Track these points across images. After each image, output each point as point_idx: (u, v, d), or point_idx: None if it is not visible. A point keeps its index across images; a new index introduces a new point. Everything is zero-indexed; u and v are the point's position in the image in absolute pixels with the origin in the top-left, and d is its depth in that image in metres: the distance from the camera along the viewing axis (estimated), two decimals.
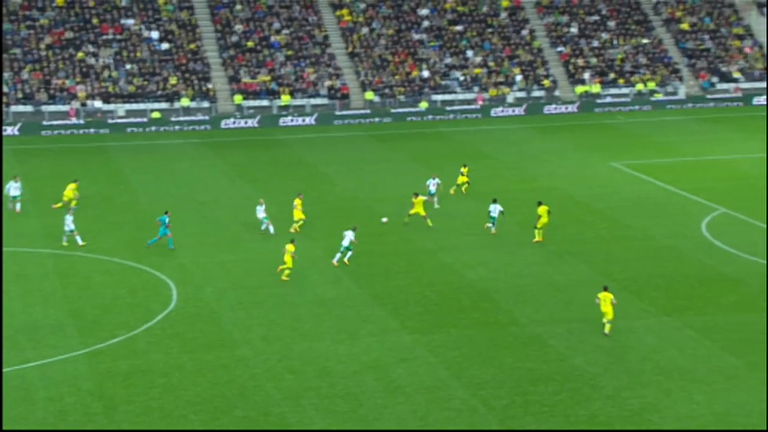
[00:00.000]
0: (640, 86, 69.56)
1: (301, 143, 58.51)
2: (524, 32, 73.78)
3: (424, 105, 66.87)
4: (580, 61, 71.61)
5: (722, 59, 72.13)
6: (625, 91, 69.76)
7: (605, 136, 59.65)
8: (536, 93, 69.54)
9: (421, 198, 40.24)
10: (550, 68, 71.43)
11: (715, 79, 70.62)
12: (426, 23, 73.69)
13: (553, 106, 67.25)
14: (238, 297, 32.98)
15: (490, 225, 39.37)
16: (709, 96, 68.56)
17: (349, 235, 35.49)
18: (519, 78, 69.95)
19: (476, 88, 69.14)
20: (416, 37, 72.57)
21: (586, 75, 70.55)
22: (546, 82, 69.64)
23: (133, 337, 29.49)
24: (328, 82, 68.11)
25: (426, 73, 69.70)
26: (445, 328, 30.21)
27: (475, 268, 35.39)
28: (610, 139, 58.73)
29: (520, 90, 69.52)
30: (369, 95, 67.66)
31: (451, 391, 26.09)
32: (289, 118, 64.15)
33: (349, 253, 35.60)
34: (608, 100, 67.97)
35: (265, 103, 66.65)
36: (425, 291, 33.38)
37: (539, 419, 24.67)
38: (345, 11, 73.70)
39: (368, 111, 65.57)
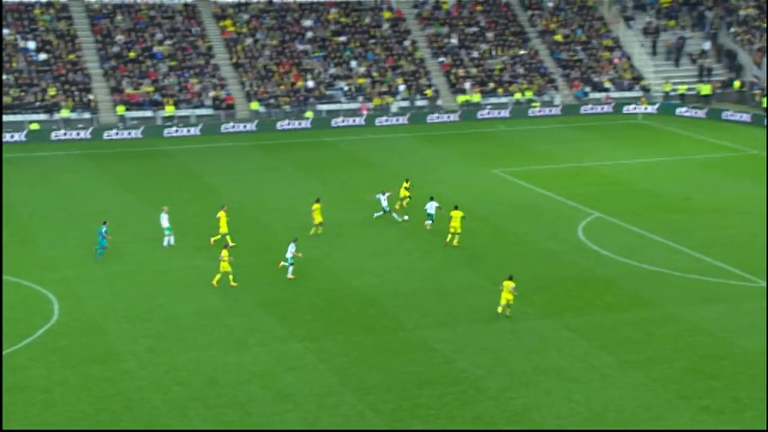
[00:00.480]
0: (518, 96, 71.24)
1: (186, 154, 57.69)
2: (406, 43, 74.66)
3: (309, 115, 66.87)
4: (461, 72, 72.90)
5: (594, 70, 74.60)
6: (504, 100, 71.32)
7: (486, 144, 60.87)
8: (419, 102, 70.41)
9: (319, 205, 40.24)
10: (432, 78, 72.47)
11: (588, 89, 72.93)
12: (310, 34, 73.76)
13: (436, 115, 68.20)
14: (123, 309, 32.29)
15: (429, 222, 40.31)
16: (582, 105, 70.74)
17: (290, 248, 35.07)
18: (402, 88, 70.70)
19: (361, 98, 69.55)
20: (300, 47, 72.56)
21: (467, 85, 71.86)
22: (428, 92, 70.60)
23: (13, 354, 28.52)
24: (212, 93, 67.39)
25: (311, 84, 69.74)
26: (333, 335, 30.29)
27: (361, 276, 35.59)
28: (491, 147, 59.96)
29: (403, 99, 70.27)
30: (254, 105, 67.25)
31: (339, 397, 26.18)
32: (174, 128, 63.17)
33: (291, 268, 34.99)
34: (488, 108, 69.38)
35: (148, 114, 65.47)
36: (313, 299, 33.40)
37: (425, 422, 25.00)
38: (228, 22, 73.12)
39: (254, 121, 65.17)
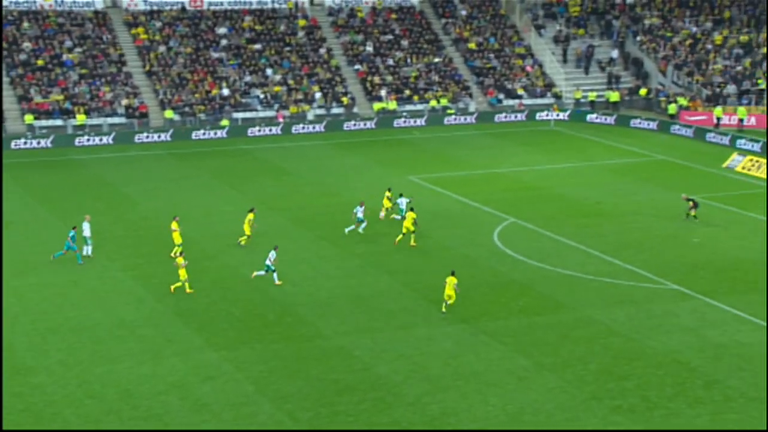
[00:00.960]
0: (433, 103, 71.79)
1: (98, 163, 56.50)
2: (322, 51, 74.58)
3: (225, 123, 66.21)
4: (377, 79, 73.12)
5: (507, 77, 75.65)
6: (420, 107, 71.79)
7: (403, 151, 61.15)
8: (335, 110, 70.38)
9: (250, 216, 39.49)
10: (348, 86, 72.51)
11: (501, 96, 73.92)
12: (224, 42, 73.09)
13: (352, 122, 68.22)
14: (32, 322, 31.38)
15: (398, 217, 41.58)
16: (496, 112, 71.64)
17: (270, 255, 34.95)
18: (318, 95, 70.57)
19: (277, 106, 69.18)
20: (215, 55, 71.84)
21: (383, 92, 72.12)
22: (345, 100, 70.64)
23: None
24: (125, 101, 66.19)
25: (226, 92, 69.09)
26: (250, 343, 29.96)
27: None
28: (408, 153, 60.26)
29: (319, 107, 70.14)
30: (169, 114, 66.28)
31: (257, 407, 25.89)
32: (86, 137, 61.80)
33: (275, 275, 34.84)
34: (404, 115, 69.74)
35: (59, 122, 63.92)
36: (230, 307, 33.00)
37: (344, 429, 24.89)
38: (140, 29, 71.98)
39: (168, 129, 64.23)
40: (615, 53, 78.29)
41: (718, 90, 70.16)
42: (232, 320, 31.88)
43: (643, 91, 74.28)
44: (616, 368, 28.23)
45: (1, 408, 25.24)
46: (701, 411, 25.84)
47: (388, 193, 44.43)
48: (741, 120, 65.83)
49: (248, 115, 68.12)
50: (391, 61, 75.02)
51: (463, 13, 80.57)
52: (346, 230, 41.08)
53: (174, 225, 38.78)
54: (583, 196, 48.66)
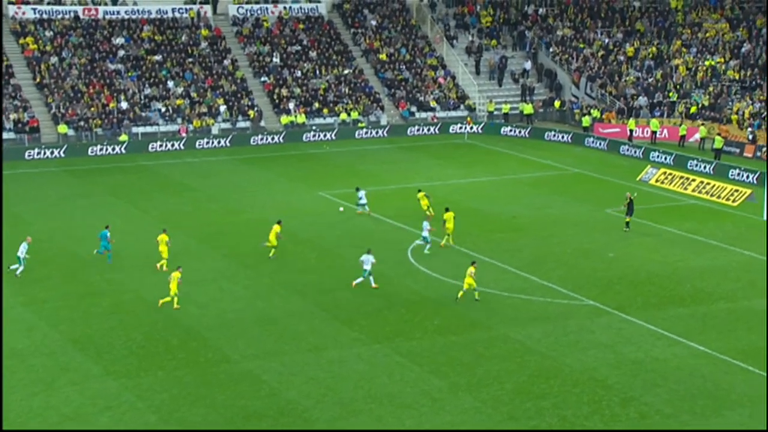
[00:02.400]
0: (344, 116, 72.01)
1: None
2: (226, 62, 74.15)
3: (123, 138, 65.20)
4: (284, 91, 73.02)
5: (419, 89, 76.41)
6: (329, 121, 71.90)
7: (312, 165, 61.13)
8: (241, 124, 69.99)
9: (277, 228, 40.32)
10: (255, 99, 72.23)
11: (414, 108, 74.60)
12: (122, 52, 72.06)
13: (259, 136, 67.96)
14: None
15: (359, 209, 45.28)
16: (409, 125, 72.25)
17: (369, 259, 36.42)
18: (223, 109, 70.09)
19: (179, 120, 68.44)
20: (112, 66, 70.76)
21: (291, 105, 72.04)
22: (251, 113, 70.30)
23: None
24: (13, 116, 64.60)
25: (124, 105, 68.07)
26: (152, 370, 29.48)
27: (182, 306, 34.85)
28: (317, 168, 60.26)
29: (224, 121, 69.67)
30: (62, 129, 64.94)
31: None
32: None
33: (371, 277, 36.62)
34: (314, 129, 69.76)
35: None
36: (130, 332, 32.43)
37: None
38: (30, 39, 70.45)
39: (62, 145, 62.90)
40: (528, 64, 79.86)
41: (630, 102, 72.18)
42: (132, 346, 31.33)
43: (557, 104, 75.92)
44: (533, 387, 28.66)
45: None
46: (618, 429, 26.41)
47: (420, 194, 46.36)
48: (654, 132, 67.82)
49: (148, 129, 67.24)
50: (299, 73, 75.04)
51: (373, 23, 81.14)
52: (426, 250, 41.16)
53: (163, 237, 38.80)
54: (498, 210, 49.38)
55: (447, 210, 42.95)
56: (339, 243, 43.27)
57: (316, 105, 72.71)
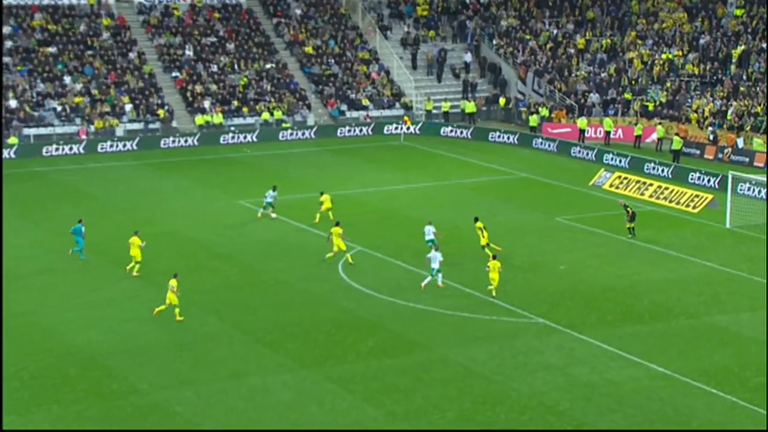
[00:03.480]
0: (266, 116, 71.83)
1: None
2: (132, 55, 73.45)
3: (13, 141, 64.19)
4: (199, 88, 72.60)
5: (350, 85, 76.58)
6: (250, 121, 71.67)
7: (231, 171, 60.83)
8: (150, 125, 69.37)
9: (338, 230, 41.27)
10: (165, 96, 71.67)
11: (344, 107, 74.75)
12: (9, 43, 70.91)
13: (171, 138, 67.46)
14: None
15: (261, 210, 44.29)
16: (339, 125, 72.35)
17: (436, 256, 38.53)
18: (129, 108, 69.42)
19: (78, 120, 67.57)
20: None
21: (206, 103, 71.64)
22: (161, 112, 69.73)
23: None
24: None
25: (13, 103, 66.96)
26: (47, 404, 29.00)
27: (83, 331, 34.40)
28: (237, 174, 59.98)
29: (131, 121, 69.01)
30: None
31: None
32: None
33: (440, 275, 38.66)
34: (232, 130, 69.45)
35: None
36: (22, 362, 31.86)
37: None
38: None
39: None
40: (469, 58, 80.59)
41: (581, 99, 73.26)
42: (24, 377, 30.80)
43: (501, 101, 76.71)
44: (477, 415, 28.84)
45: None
46: None
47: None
48: (608, 132, 68.91)
49: (42, 131, 66.30)
50: (215, 68, 74.67)
51: (298, 12, 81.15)
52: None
53: (135, 240, 40.07)
54: (438, 219, 49.57)
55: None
56: (262, 258, 43.08)
57: (235, 103, 72.41)
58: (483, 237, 42.87)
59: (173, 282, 35.48)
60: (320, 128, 71.80)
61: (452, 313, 36.74)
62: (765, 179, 51.30)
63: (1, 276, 38.53)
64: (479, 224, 43.32)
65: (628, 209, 46.24)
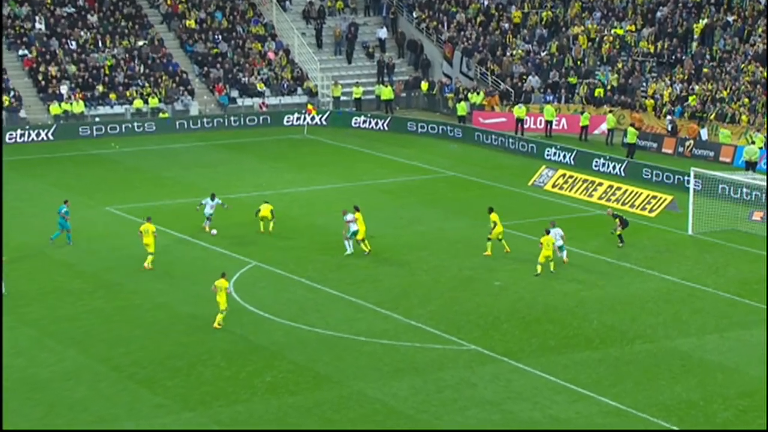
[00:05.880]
0: (138, 104, 71.24)
1: None
2: None
3: None
4: (53, 70, 71.72)
5: (242, 67, 76.33)
6: (119, 110, 71.03)
7: (95, 170, 60.39)
8: None
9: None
10: (11, 80, 70.70)
11: (235, 93, 74.50)
12: None
13: (18, 132, 66.60)
14: None
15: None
16: (229, 114, 72.05)
17: (557, 233, 43.28)
18: None
19: None
20: None
21: (63, 89, 70.81)
22: (5, 99, 68.76)
23: None
24: None
25: None
26: None
27: None
28: (102, 174, 59.43)
29: None
30: None
31: None
32: None
33: (564, 251, 43.88)
34: (96, 122, 68.78)
35: None
36: None
37: None
38: None
39: None
40: (385, 34, 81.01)
41: (518, 83, 74.06)
42: None
43: (424, 86, 77.24)
44: None
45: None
46: None
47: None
48: (549, 122, 69.77)
49: None
50: (73, 45, 73.91)
51: None
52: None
53: (148, 227, 42.94)
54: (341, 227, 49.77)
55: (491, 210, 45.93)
56: (135, 276, 42.71)
57: (100, 89, 71.74)
58: (494, 231, 45.44)
59: (224, 283, 37.21)
60: (205, 118, 71.43)
61: (367, 340, 36.83)
62: (732, 176, 52.24)
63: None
64: (493, 216, 45.50)
65: (619, 218, 46.65)
